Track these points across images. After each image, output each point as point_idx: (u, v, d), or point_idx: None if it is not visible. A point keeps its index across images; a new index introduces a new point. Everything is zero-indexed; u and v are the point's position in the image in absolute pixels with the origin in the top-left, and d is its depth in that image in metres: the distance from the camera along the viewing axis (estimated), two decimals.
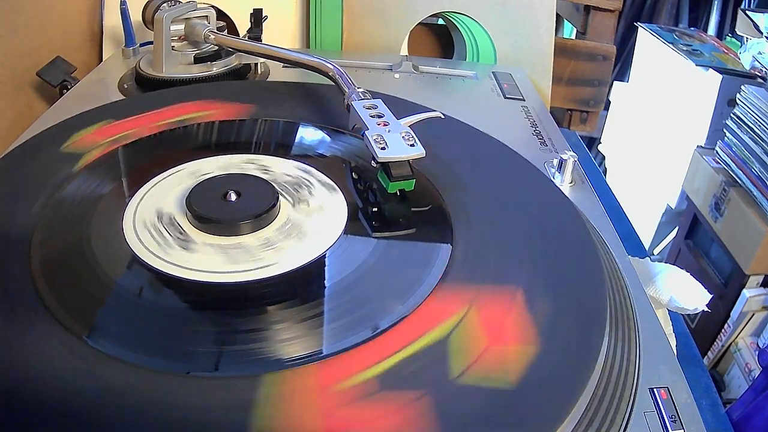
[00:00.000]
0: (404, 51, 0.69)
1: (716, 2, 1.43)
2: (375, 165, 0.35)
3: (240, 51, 0.54)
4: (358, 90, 0.40)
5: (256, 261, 0.30)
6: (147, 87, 0.52)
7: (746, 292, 0.82)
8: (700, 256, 0.95)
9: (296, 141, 0.43)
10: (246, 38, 0.56)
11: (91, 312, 0.27)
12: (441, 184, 0.37)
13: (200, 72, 0.53)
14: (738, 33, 0.93)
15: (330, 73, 0.44)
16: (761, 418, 0.62)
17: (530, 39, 0.67)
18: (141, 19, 0.55)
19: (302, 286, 0.30)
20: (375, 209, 0.36)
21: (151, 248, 0.31)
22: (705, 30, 1.42)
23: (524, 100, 0.57)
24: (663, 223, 1.12)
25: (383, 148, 0.34)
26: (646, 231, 1.13)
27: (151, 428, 0.22)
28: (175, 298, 0.29)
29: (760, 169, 0.78)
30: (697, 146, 0.95)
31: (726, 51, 1.03)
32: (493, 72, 0.63)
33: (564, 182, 0.43)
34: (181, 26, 0.54)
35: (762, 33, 0.86)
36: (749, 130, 0.81)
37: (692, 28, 1.21)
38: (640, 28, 1.16)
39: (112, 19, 0.64)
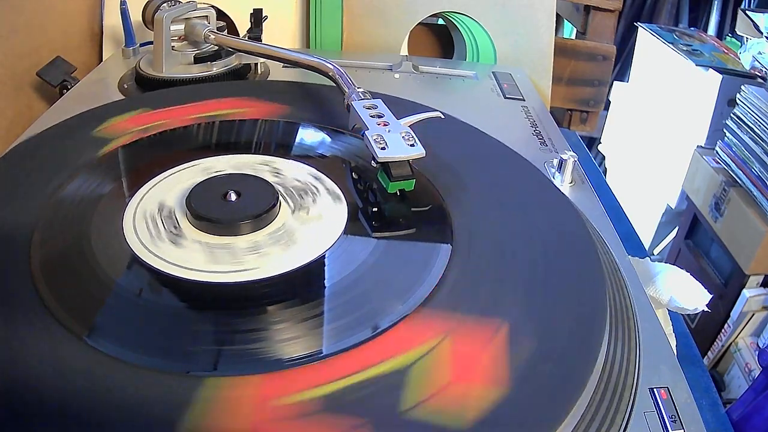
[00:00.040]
0: (404, 51, 0.69)
1: (716, 2, 1.43)
2: (375, 165, 0.35)
3: (240, 51, 0.54)
4: (358, 90, 0.40)
5: (236, 264, 0.30)
6: (147, 87, 0.52)
7: (746, 292, 0.82)
8: (700, 256, 0.94)
9: (308, 144, 0.42)
10: (246, 38, 0.56)
11: (90, 309, 0.27)
12: (441, 184, 0.37)
13: (200, 72, 0.53)
14: (738, 33, 0.93)
15: (330, 73, 0.44)
16: (761, 418, 0.62)
17: (530, 39, 0.67)
18: (141, 19, 0.55)
19: (283, 292, 0.30)
20: (375, 209, 0.36)
21: (144, 240, 0.31)
22: (705, 30, 1.42)
23: (524, 100, 0.57)
24: (663, 223, 1.12)
25: (383, 148, 0.34)
26: (646, 231, 1.13)
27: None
28: (149, 291, 0.29)
29: (760, 169, 0.78)
30: (697, 146, 0.95)
31: (726, 51, 1.03)
32: (493, 72, 0.63)
33: (564, 182, 0.43)
34: (181, 26, 0.54)
35: (762, 33, 0.86)
36: (749, 130, 0.81)
37: (692, 28, 1.21)
38: (640, 28, 1.16)
39: (112, 19, 0.64)
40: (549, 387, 0.24)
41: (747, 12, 0.89)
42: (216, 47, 0.54)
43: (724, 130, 0.86)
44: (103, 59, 0.64)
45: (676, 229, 1.05)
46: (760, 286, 0.83)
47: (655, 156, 1.11)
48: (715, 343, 0.87)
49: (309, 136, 0.43)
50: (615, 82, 1.25)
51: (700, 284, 0.40)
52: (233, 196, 0.33)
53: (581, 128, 0.83)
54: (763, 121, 0.78)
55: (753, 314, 0.83)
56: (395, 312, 0.27)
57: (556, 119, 0.58)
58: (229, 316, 0.28)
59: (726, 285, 0.86)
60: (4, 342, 0.25)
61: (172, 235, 0.32)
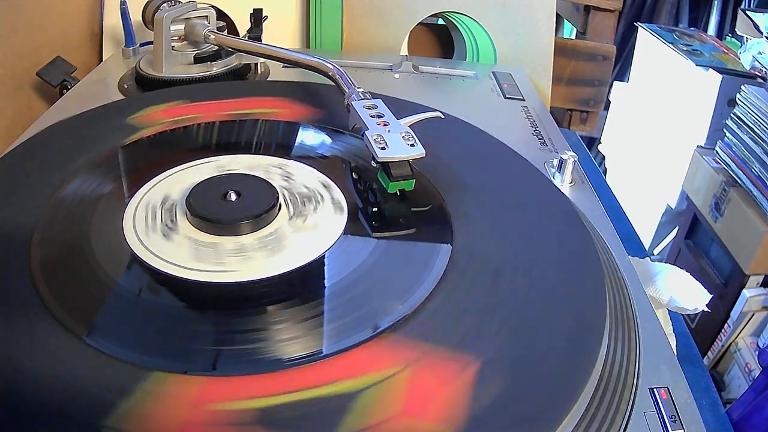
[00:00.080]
0: (404, 51, 0.69)
1: (716, 2, 1.43)
2: (375, 165, 0.35)
3: (240, 51, 0.54)
4: (358, 90, 0.40)
5: (217, 264, 0.30)
6: (147, 87, 0.52)
7: (746, 292, 0.82)
8: (700, 256, 0.94)
9: (309, 145, 0.42)
10: (246, 38, 0.56)
11: (90, 307, 0.27)
12: (441, 184, 0.37)
13: (200, 72, 0.53)
14: (738, 33, 0.93)
15: (330, 73, 0.44)
16: (761, 418, 0.62)
17: (530, 39, 0.67)
18: (141, 19, 0.55)
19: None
20: (375, 209, 0.36)
21: (139, 230, 0.32)
22: (705, 30, 1.42)
23: (524, 100, 0.57)
24: (663, 223, 1.12)
25: (383, 148, 0.34)
26: (646, 231, 1.13)
27: None
28: (130, 280, 0.29)
29: (760, 169, 0.78)
30: (697, 146, 0.95)
31: (726, 51, 1.03)
32: (493, 72, 0.63)
33: (564, 182, 0.43)
34: (181, 26, 0.54)
35: (762, 33, 0.86)
36: (749, 130, 0.81)
37: (692, 28, 1.21)
38: (640, 28, 1.16)
39: (112, 19, 0.64)
40: (549, 386, 0.24)
41: (747, 12, 0.89)
42: (216, 47, 0.54)
43: (724, 130, 0.86)
44: (103, 59, 0.64)
45: (676, 229, 1.05)
46: (760, 286, 0.83)
47: (655, 156, 1.11)
48: (715, 343, 0.87)
49: (315, 139, 0.43)
50: (615, 82, 1.25)
51: (700, 284, 0.40)
52: (233, 196, 0.33)
53: (581, 128, 0.83)
54: (763, 121, 0.78)
55: (753, 314, 0.83)
56: (364, 331, 0.27)
57: (556, 119, 0.58)
58: (202, 314, 0.28)
59: (726, 285, 0.86)
60: (4, 342, 0.25)
61: (166, 228, 0.32)
